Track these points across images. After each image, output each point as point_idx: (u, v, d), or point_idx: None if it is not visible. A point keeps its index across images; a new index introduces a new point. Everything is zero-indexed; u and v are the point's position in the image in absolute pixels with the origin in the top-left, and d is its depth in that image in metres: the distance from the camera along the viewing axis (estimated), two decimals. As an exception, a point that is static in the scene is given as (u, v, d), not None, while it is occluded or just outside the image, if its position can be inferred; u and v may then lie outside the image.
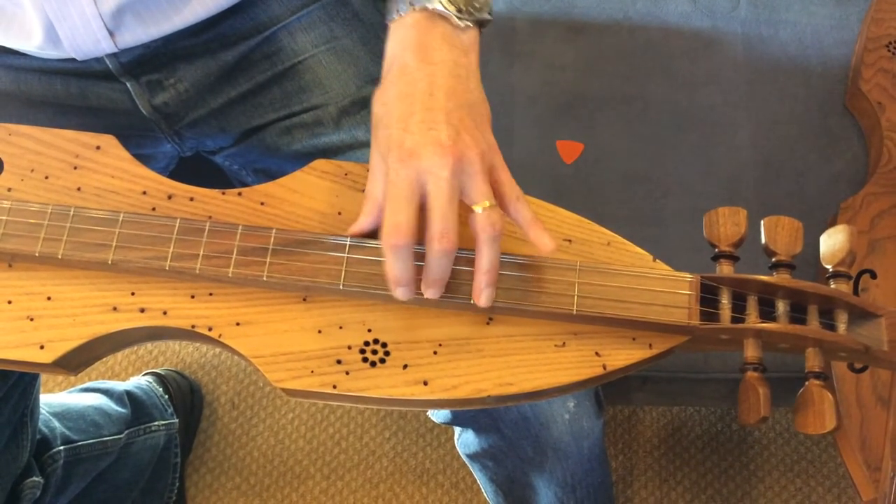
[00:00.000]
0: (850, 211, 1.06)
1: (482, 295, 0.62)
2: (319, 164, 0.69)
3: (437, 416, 0.95)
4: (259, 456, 1.37)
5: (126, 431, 1.18)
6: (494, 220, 0.60)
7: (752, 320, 0.62)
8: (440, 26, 0.65)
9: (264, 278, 0.64)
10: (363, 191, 0.66)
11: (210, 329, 0.64)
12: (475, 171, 0.60)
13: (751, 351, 0.62)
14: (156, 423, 1.24)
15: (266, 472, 1.36)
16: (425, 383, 0.62)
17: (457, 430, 1.02)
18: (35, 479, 0.98)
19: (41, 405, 1.03)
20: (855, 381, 0.96)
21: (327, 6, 0.84)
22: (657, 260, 0.65)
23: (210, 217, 0.67)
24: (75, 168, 0.69)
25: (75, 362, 0.66)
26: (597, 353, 0.63)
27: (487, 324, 0.64)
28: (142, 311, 0.65)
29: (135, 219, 0.67)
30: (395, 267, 0.61)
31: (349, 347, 0.63)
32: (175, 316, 0.65)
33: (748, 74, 1.18)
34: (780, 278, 0.62)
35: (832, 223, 1.08)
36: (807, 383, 0.61)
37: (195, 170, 0.91)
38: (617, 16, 1.22)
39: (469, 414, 0.88)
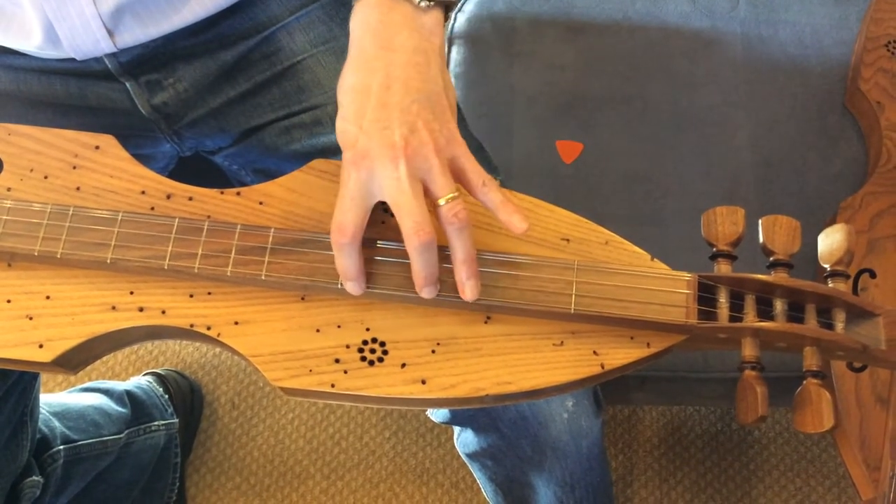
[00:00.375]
0: (849, 210, 1.06)
1: (466, 287, 0.62)
2: (318, 163, 0.70)
3: (436, 415, 0.95)
4: (259, 456, 1.37)
5: (126, 431, 1.18)
6: (457, 210, 0.60)
7: (750, 319, 0.62)
8: (401, 6, 0.64)
9: (263, 277, 0.64)
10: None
11: (209, 328, 0.64)
12: (431, 167, 0.60)
13: (749, 350, 0.62)
14: (156, 422, 1.24)
15: (266, 472, 1.36)
16: (423, 382, 0.62)
17: (456, 429, 1.02)
18: (35, 478, 0.98)
19: (41, 405, 1.03)
20: (854, 380, 0.96)
21: (326, 6, 0.84)
22: (655, 259, 0.65)
23: (209, 216, 0.67)
24: (74, 168, 0.69)
25: (74, 361, 0.66)
26: (595, 352, 0.63)
27: (485, 323, 0.64)
28: (140, 310, 0.65)
29: (134, 218, 0.67)
30: (340, 262, 0.62)
31: (347, 346, 0.63)
32: (174, 315, 0.65)
33: (747, 74, 1.18)
34: (778, 277, 0.62)
35: (831, 223, 1.08)
36: (805, 382, 0.61)
37: (194, 170, 0.91)
38: (616, 16, 1.22)
39: (468, 413, 0.89)
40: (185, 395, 1.35)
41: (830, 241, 0.62)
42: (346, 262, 0.62)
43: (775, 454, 1.36)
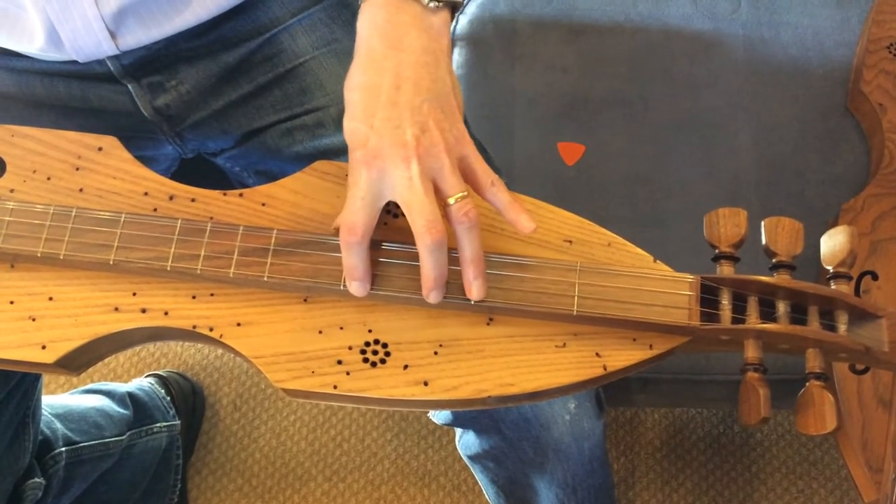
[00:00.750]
0: (851, 212, 1.06)
1: (473, 287, 0.62)
2: (321, 165, 0.70)
3: (438, 417, 0.95)
4: (261, 457, 1.37)
5: (128, 433, 1.18)
6: (467, 209, 0.60)
7: (753, 321, 0.62)
8: (410, 7, 0.64)
9: (265, 279, 0.64)
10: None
11: (211, 329, 0.64)
12: (442, 166, 0.60)
13: (751, 352, 0.62)
14: (158, 424, 1.24)
15: (268, 474, 1.36)
16: (426, 384, 0.62)
17: (458, 431, 1.02)
18: (37, 480, 0.98)
19: (43, 406, 1.04)
20: (856, 382, 0.96)
21: (328, 8, 0.84)
22: (658, 261, 0.65)
23: (211, 218, 0.67)
24: (77, 169, 0.70)
25: (77, 363, 0.66)
26: (597, 354, 0.63)
27: (488, 324, 0.64)
28: (143, 311, 0.65)
29: (136, 219, 0.67)
30: (349, 262, 0.62)
31: (350, 348, 0.63)
32: (176, 316, 0.65)
33: (749, 76, 1.18)
34: (781, 279, 0.62)
35: (833, 225, 1.08)
36: (807, 384, 0.61)
37: (197, 171, 0.91)
38: (618, 18, 1.22)
39: (470, 415, 0.89)
40: (187, 397, 1.35)
41: (833, 243, 0.62)
42: (355, 261, 0.62)
43: (777, 456, 1.36)
